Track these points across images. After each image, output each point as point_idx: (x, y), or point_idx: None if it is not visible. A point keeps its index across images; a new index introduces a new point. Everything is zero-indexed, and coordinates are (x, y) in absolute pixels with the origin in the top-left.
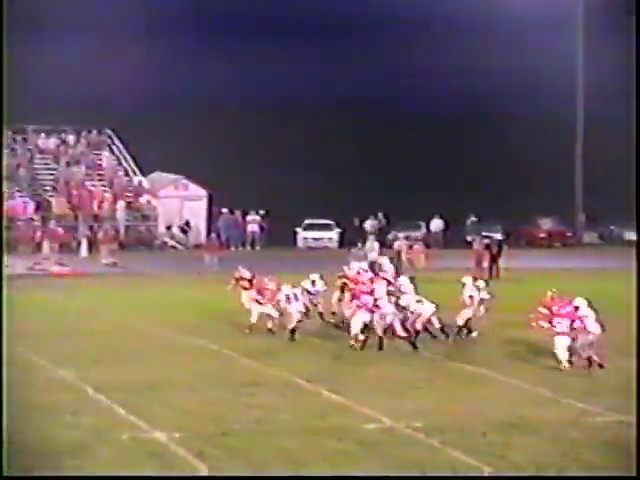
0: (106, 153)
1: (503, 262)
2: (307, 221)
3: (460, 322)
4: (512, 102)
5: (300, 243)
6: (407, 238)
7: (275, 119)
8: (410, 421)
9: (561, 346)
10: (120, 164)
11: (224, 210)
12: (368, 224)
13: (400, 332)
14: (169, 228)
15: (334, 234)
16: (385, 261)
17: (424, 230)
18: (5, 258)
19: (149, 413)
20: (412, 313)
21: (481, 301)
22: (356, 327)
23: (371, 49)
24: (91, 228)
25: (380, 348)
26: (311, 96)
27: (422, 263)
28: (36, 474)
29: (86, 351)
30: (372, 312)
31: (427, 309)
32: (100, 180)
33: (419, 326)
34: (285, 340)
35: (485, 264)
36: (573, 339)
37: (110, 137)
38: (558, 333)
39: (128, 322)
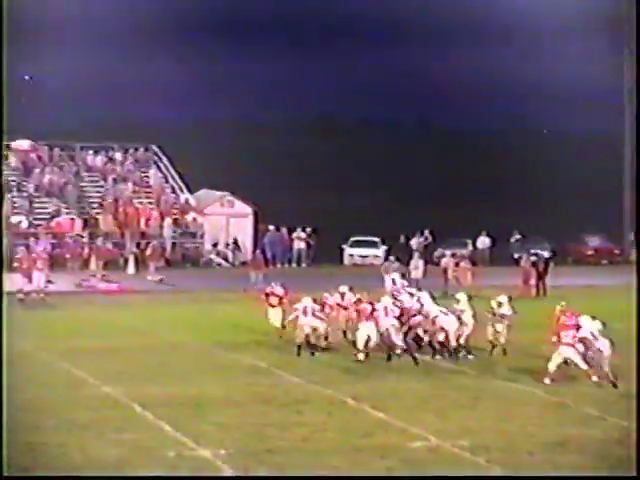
0: (153, 170)
1: (550, 280)
2: (353, 238)
3: (454, 342)
4: (560, 119)
5: (346, 260)
6: (453, 255)
7: (321, 136)
8: (456, 440)
9: (562, 356)
10: (167, 181)
11: (270, 227)
12: (414, 241)
13: (401, 344)
14: (215, 245)
15: (380, 251)
16: (396, 276)
17: (470, 247)
18: (48, 274)
19: (195, 430)
20: (434, 324)
21: (502, 317)
22: (361, 340)
23: (423, 64)
24: (138, 245)
25: (415, 362)
26: (358, 113)
27: (468, 280)
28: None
29: (132, 368)
30: (371, 321)
31: (450, 323)
32: (147, 197)
33: (454, 343)
34: (331, 358)
35: (532, 281)
36: (586, 348)
37: (157, 154)
38: (563, 343)
39: (174, 339)
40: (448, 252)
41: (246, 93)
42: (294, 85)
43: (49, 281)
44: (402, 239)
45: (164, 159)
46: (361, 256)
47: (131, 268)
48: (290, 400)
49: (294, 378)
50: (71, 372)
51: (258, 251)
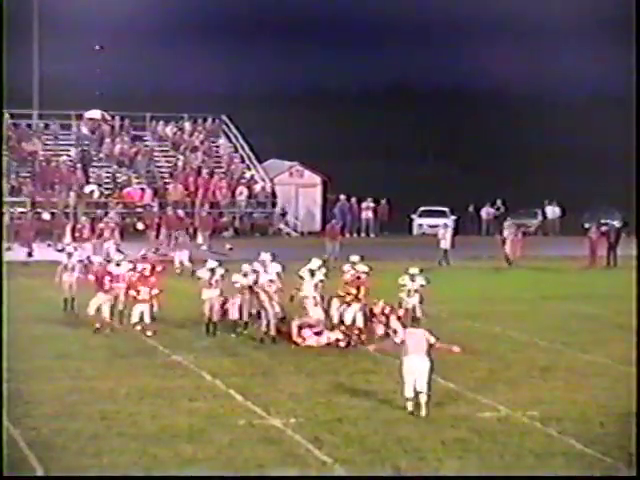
0: (222, 140)
1: (621, 250)
2: (422, 208)
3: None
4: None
5: (415, 230)
6: (518, 226)
7: (389, 105)
8: (526, 410)
9: None
10: (236, 151)
11: (341, 197)
12: (483, 211)
13: None
14: (284, 215)
15: (449, 221)
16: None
17: (540, 217)
18: (118, 244)
19: (264, 399)
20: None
21: (415, 291)
22: None
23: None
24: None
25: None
26: (425, 82)
27: (517, 252)
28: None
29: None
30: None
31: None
32: (216, 167)
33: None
34: None
35: (601, 252)
36: None
37: (226, 124)
38: None
39: None
40: (508, 222)
41: (313, 63)
42: (359, 55)
43: (118, 250)
44: (471, 209)
45: (233, 129)
46: (430, 226)
47: (200, 237)
48: (360, 369)
49: (363, 347)
50: (143, 340)
51: (335, 221)
